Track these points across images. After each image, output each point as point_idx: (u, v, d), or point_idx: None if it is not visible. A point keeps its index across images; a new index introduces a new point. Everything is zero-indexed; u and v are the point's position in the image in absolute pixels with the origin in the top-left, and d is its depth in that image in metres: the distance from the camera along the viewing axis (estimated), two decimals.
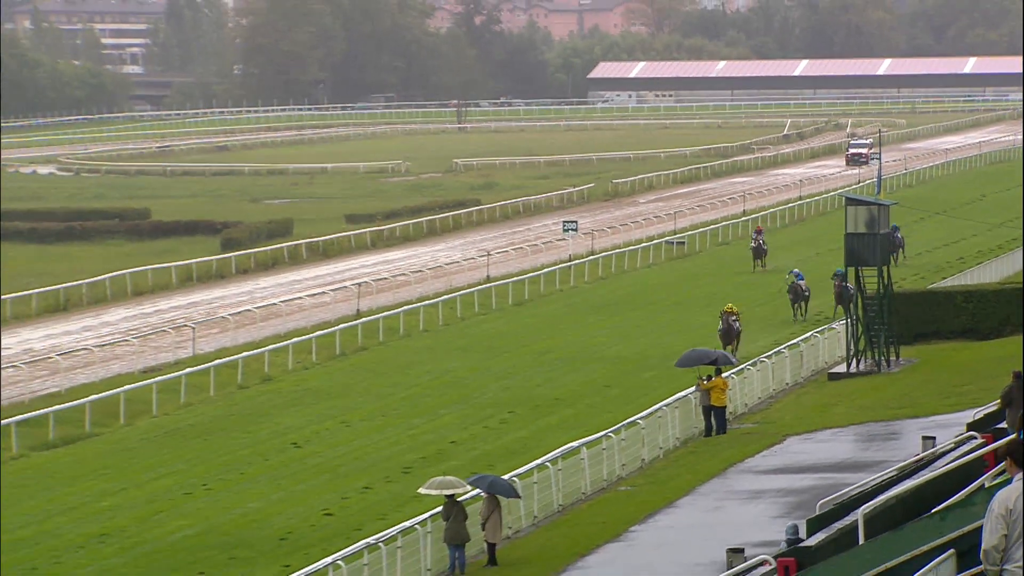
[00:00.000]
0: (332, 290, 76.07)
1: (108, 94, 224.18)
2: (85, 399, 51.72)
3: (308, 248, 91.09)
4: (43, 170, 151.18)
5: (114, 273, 78.42)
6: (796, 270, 63.81)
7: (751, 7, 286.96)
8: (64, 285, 76.68)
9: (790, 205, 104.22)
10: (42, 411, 50.75)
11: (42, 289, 75.14)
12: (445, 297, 71.53)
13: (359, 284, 75.84)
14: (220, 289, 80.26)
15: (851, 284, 54.93)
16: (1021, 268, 65.37)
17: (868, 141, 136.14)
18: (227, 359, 58.67)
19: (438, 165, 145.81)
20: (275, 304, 72.68)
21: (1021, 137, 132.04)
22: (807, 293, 62.24)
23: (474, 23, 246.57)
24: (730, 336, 53.94)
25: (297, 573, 31.07)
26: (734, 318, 54.49)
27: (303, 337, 62.41)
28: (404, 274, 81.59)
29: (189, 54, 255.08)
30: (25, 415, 50.23)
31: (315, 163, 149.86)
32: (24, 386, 56.71)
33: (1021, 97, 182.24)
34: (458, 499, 33.79)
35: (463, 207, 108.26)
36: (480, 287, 74.23)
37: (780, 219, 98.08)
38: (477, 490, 34.54)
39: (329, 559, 31.63)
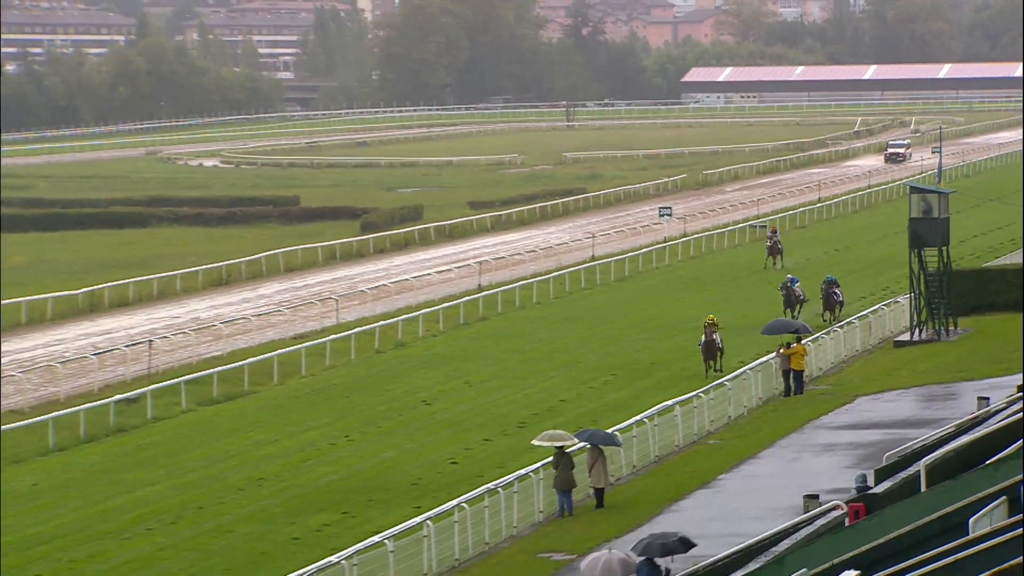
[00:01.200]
0: (457, 267, 76.27)
1: (264, 97, 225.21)
2: (243, 361, 52.07)
3: (436, 231, 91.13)
4: (208, 163, 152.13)
5: (268, 252, 78.79)
6: (791, 276, 57.99)
7: (826, 18, 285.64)
8: (226, 263, 77.29)
9: (859, 193, 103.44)
10: (207, 372, 51.19)
11: (207, 266, 75.78)
12: (555, 274, 71.51)
13: (480, 262, 75.97)
14: (360, 266, 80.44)
15: (838, 291, 54.80)
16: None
17: (906, 142, 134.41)
18: (366, 327, 58.79)
19: (549, 158, 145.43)
20: (407, 279, 72.79)
21: None
22: (803, 298, 56.18)
23: (581, 34, 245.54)
24: (712, 349, 46.65)
25: (427, 513, 31.08)
26: (715, 331, 46.91)
27: (431, 308, 62.40)
28: (519, 253, 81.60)
29: (334, 62, 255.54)
30: (193, 375, 50.77)
31: (442, 157, 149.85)
32: (192, 350, 57.02)
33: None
34: (567, 450, 33.79)
35: (571, 195, 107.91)
36: (586, 265, 73.87)
37: (851, 206, 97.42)
38: (583, 443, 34.52)
39: (454, 501, 31.65)
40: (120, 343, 57.80)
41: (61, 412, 45.68)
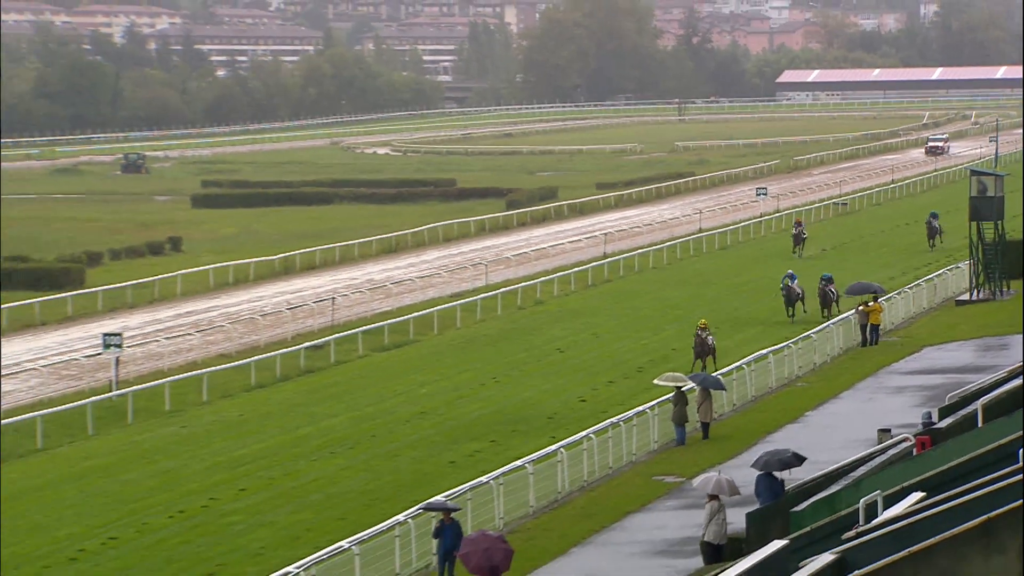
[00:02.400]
0: (585, 238, 76.20)
1: (426, 96, 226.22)
2: (409, 315, 52.42)
3: (568, 207, 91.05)
4: (381, 151, 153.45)
5: (429, 225, 79.09)
6: (791, 271, 51.13)
7: (899, 28, 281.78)
8: (394, 234, 77.76)
9: (927, 175, 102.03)
10: (380, 324, 51.72)
11: (380, 237, 76.26)
12: (667, 243, 71.09)
13: (605, 234, 75.69)
14: (505, 237, 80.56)
15: (834, 288, 48.57)
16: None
17: (944, 136, 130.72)
18: (510, 287, 58.98)
19: (663, 147, 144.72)
20: (544, 248, 72.95)
21: None
22: (801, 293, 49.50)
23: (692, 42, 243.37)
24: (704, 350, 40.74)
25: (560, 442, 31.31)
26: (707, 333, 41.22)
27: (564, 272, 62.47)
28: (638, 227, 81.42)
29: (484, 67, 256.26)
30: (368, 326, 51.36)
31: (574, 146, 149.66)
32: (367, 306, 57.85)
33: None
34: (682, 390, 33.87)
35: (681, 177, 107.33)
36: (693, 236, 73.57)
37: (919, 186, 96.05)
38: (694, 385, 34.59)
39: (583, 433, 31.84)
40: (308, 300, 58.51)
41: (261, 356, 46.47)
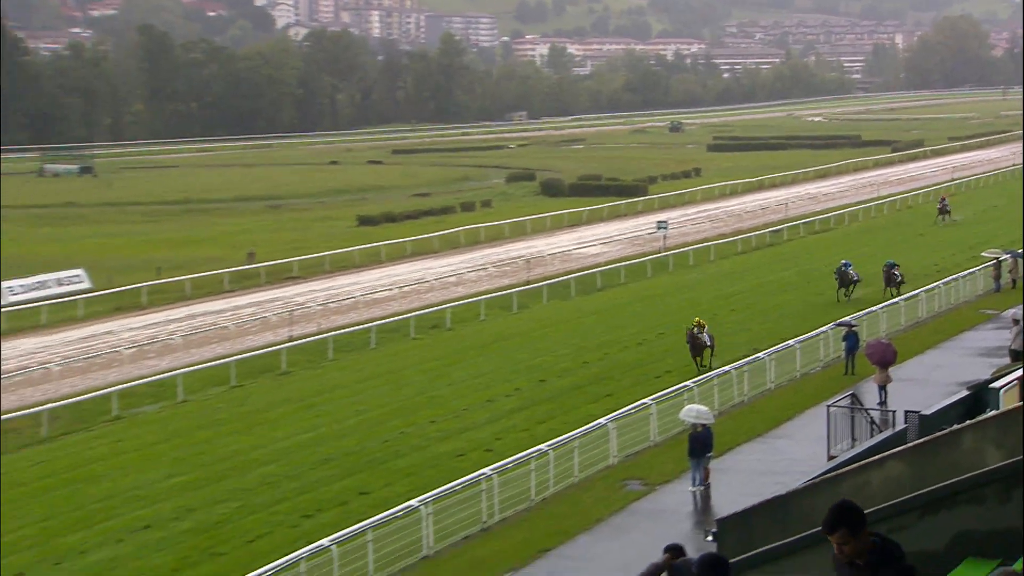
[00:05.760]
0: (941, 169, 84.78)
1: (845, 86, 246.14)
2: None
3: (931, 151, 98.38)
4: (815, 119, 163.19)
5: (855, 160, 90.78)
6: (846, 261, 43.92)
7: None
8: (834, 164, 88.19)
9: None
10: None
11: (816, 168, 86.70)
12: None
13: (954, 168, 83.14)
14: (897, 167, 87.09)
15: (898, 271, 42.90)
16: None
17: None
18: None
19: (991, 115, 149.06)
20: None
21: None
22: (856, 278, 42.75)
23: (1014, 52, 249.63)
24: (697, 347, 32.81)
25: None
26: (698, 330, 33.01)
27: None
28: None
29: (882, 69, 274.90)
30: None
31: (934, 115, 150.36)
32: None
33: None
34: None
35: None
36: None
37: None
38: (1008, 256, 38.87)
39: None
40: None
41: None
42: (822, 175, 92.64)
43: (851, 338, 31.97)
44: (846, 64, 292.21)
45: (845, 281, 42.64)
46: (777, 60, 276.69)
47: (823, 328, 34.01)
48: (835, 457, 20.04)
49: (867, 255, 51.02)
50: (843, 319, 34.09)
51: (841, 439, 23.30)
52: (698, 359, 32.78)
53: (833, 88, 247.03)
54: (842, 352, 32.32)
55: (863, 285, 43.00)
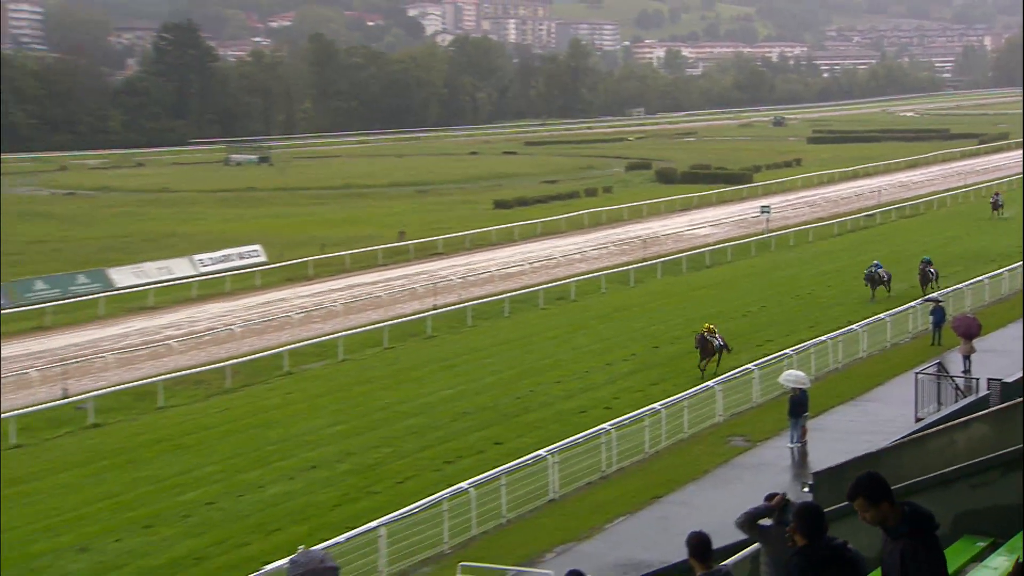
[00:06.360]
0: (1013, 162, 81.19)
1: (935, 84, 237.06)
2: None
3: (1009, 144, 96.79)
4: (907, 114, 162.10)
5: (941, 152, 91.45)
6: (877, 262, 39.83)
7: None
8: (922, 156, 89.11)
9: None
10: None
11: (908, 158, 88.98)
12: None
13: None
14: (980, 158, 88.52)
15: (933, 269, 38.48)
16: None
17: None
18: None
19: None
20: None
21: None
22: (887, 277, 38.56)
23: None
24: (706, 350, 28.97)
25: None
26: (708, 335, 29.27)
27: None
28: None
29: (970, 67, 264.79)
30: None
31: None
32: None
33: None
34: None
35: None
36: None
37: None
38: None
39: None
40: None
41: None
42: (912, 165, 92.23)
43: (938, 312, 31.28)
44: (937, 64, 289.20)
45: (875, 282, 38.82)
46: (873, 61, 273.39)
47: (912, 303, 33.63)
48: (922, 419, 19.76)
49: (951, 238, 51.55)
50: (930, 295, 33.39)
51: (927, 403, 22.96)
52: (703, 363, 28.93)
53: (924, 86, 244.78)
54: (929, 325, 31.58)
55: (896, 280, 39.78)
